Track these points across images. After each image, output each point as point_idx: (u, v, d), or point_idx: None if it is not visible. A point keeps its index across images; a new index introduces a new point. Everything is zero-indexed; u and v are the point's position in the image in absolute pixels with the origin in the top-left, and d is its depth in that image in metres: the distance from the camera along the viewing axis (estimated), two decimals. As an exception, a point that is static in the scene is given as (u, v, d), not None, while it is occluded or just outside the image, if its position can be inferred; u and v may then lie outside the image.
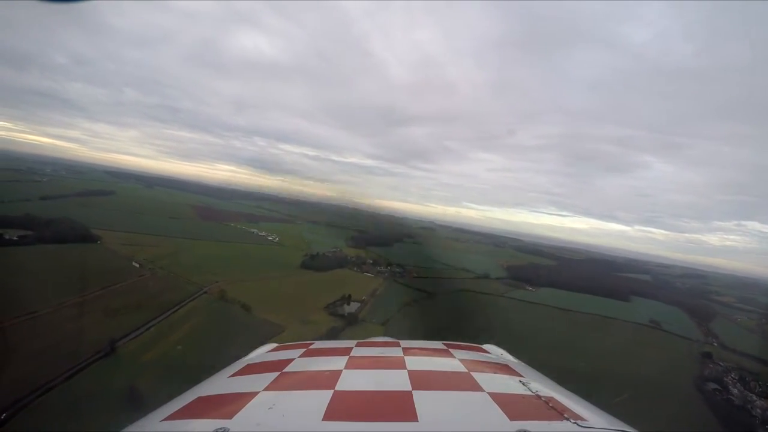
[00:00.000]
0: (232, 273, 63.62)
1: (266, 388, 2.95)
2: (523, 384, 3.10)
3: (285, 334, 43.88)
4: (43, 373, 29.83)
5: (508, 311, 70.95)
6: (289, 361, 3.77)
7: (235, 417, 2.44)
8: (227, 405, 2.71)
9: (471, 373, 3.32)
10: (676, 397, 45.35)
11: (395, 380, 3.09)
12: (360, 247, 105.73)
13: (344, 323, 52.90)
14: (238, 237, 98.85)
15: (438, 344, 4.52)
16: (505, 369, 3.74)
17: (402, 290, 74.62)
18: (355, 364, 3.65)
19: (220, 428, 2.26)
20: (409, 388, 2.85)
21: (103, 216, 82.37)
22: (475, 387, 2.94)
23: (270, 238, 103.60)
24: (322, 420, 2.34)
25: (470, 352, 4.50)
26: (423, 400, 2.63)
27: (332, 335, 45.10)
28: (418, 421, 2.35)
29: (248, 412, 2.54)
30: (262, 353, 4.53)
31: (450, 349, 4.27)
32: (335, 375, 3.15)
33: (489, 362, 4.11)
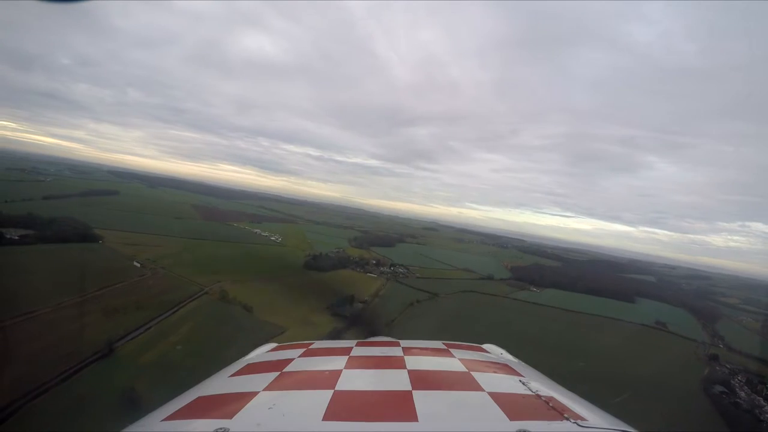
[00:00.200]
0: (234, 273, 63.15)
1: (266, 388, 2.94)
2: (523, 384, 3.09)
3: (286, 336, 43.38)
4: (37, 375, 29.35)
5: (513, 312, 70.38)
6: (289, 360, 3.77)
7: (235, 417, 2.43)
8: (227, 405, 2.69)
9: (471, 372, 3.32)
10: (684, 400, 44.83)
11: (395, 380, 3.10)
12: (363, 248, 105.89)
13: (346, 325, 52.40)
14: (240, 237, 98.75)
15: (438, 344, 4.51)
16: (505, 369, 3.71)
17: (405, 291, 74.03)
18: (355, 363, 3.64)
19: (220, 428, 2.23)
20: (409, 387, 2.85)
21: (105, 216, 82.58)
22: (475, 387, 2.94)
23: (273, 238, 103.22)
24: (322, 420, 2.33)
25: (470, 351, 4.49)
26: (423, 399, 2.62)
27: (334, 337, 44.59)
28: (418, 421, 2.34)
29: (248, 412, 2.52)
30: (262, 353, 4.51)
31: (450, 349, 4.27)
32: (335, 375, 3.15)
33: (489, 362, 4.07)
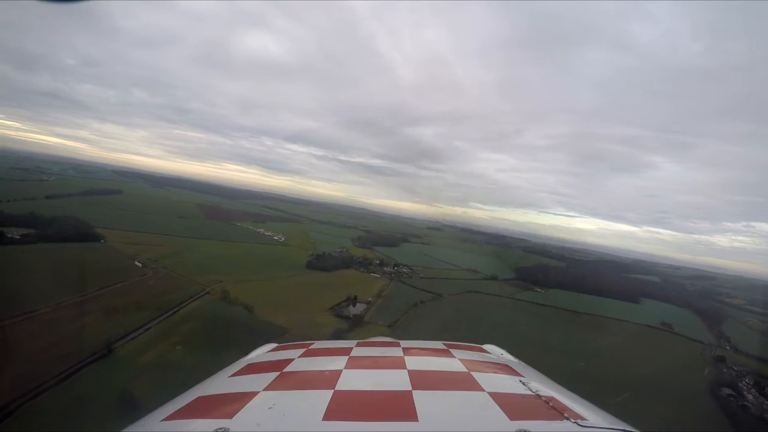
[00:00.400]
0: (237, 273, 62.97)
1: (266, 388, 2.92)
2: (523, 384, 3.08)
3: (288, 337, 42.85)
4: (36, 375, 28.97)
5: (518, 313, 69.86)
6: (289, 361, 3.76)
7: (235, 417, 2.41)
8: (227, 405, 2.67)
9: (471, 372, 3.31)
10: (691, 403, 44.31)
11: (395, 380, 3.07)
12: (367, 247, 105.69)
13: (350, 325, 52.04)
14: (243, 237, 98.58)
15: (438, 344, 4.51)
16: (505, 369, 3.72)
17: (409, 291, 73.49)
18: (355, 364, 3.63)
19: (220, 428, 2.22)
20: (409, 387, 2.83)
21: (108, 215, 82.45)
22: (475, 387, 2.93)
23: (276, 237, 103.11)
24: (322, 420, 2.32)
25: (470, 352, 4.50)
26: (423, 400, 2.60)
27: (337, 338, 44.14)
28: (418, 421, 2.33)
29: (248, 411, 2.51)
30: (262, 353, 4.49)
31: (450, 349, 4.27)
32: (335, 375, 3.13)
33: (489, 362, 4.08)
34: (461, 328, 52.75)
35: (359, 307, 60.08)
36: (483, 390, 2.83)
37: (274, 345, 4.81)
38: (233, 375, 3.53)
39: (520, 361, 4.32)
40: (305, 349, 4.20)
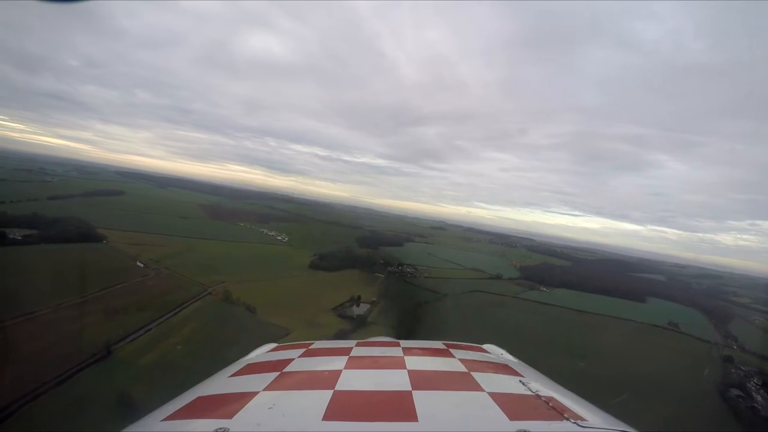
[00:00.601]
0: (239, 273, 62.72)
1: (266, 388, 2.91)
2: (523, 384, 3.05)
3: (290, 338, 42.46)
4: (35, 377, 28.74)
5: (523, 313, 69.40)
6: (289, 361, 3.73)
7: (235, 417, 2.41)
8: (227, 405, 2.66)
9: (471, 373, 3.29)
10: (700, 404, 43.89)
11: (395, 380, 3.06)
12: (370, 247, 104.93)
13: (353, 326, 51.55)
14: (246, 237, 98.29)
15: (438, 344, 4.46)
16: (505, 369, 3.69)
17: (413, 291, 72.79)
18: (355, 364, 3.60)
19: (220, 428, 2.22)
20: (409, 388, 2.82)
21: (110, 215, 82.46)
22: (475, 387, 2.92)
23: (279, 238, 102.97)
24: (322, 420, 2.32)
25: (470, 352, 4.43)
26: (423, 400, 2.61)
27: (340, 339, 43.83)
28: (418, 421, 2.33)
29: (248, 412, 2.51)
30: (262, 353, 4.45)
31: (450, 349, 4.23)
32: (335, 375, 3.11)
33: (489, 362, 4.05)
34: (466, 329, 52.29)
35: (363, 308, 59.73)
36: (483, 390, 2.82)
37: (274, 345, 4.78)
38: (233, 375, 3.51)
39: (520, 361, 4.27)
40: (305, 349, 4.17)
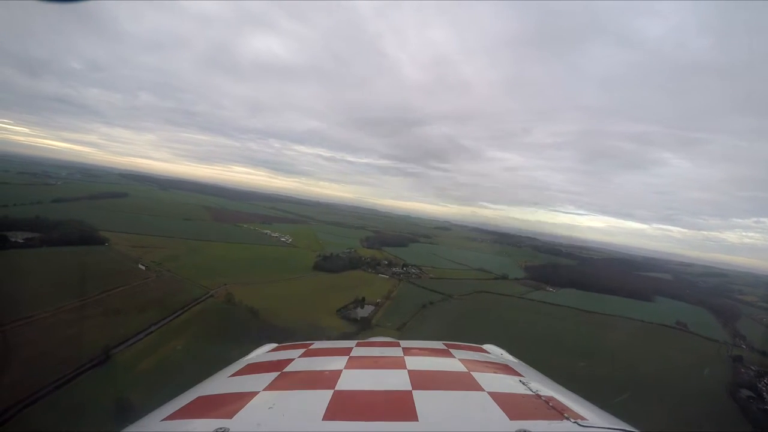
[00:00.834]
0: (242, 275, 62.30)
1: (266, 388, 2.93)
2: (523, 384, 3.07)
3: (292, 341, 42.07)
4: (31, 383, 28.23)
5: (530, 314, 68.70)
6: (289, 361, 3.72)
7: (235, 417, 2.42)
8: (227, 405, 2.69)
9: (471, 372, 3.31)
10: (711, 405, 43.22)
11: (395, 380, 3.07)
12: (375, 248, 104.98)
13: (357, 328, 50.85)
14: (250, 238, 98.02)
15: (438, 344, 4.48)
16: (505, 369, 3.71)
17: (418, 292, 72.36)
18: (355, 364, 3.60)
19: (220, 428, 2.23)
20: (409, 387, 2.84)
21: (114, 218, 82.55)
22: (475, 387, 2.94)
23: (283, 239, 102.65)
24: (322, 420, 2.33)
25: (470, 352, 4.45)
26: (423, 400, 2.62)
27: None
28: (418, 420, 2.34)
29: (248, 411, 2.52)
30: (262, 353, 4.44)
31: (450, 349, 4.24)
32: (335, 375, 3.13)
33: (489, 362, 4.05)
34: (472, 330, 51.75)
35: (367, 309, 59.14)
36: (483, 390, 2.82)
37: (274, 345, 4.77)
38: (233, 375, 3.51)
39: (520, 361, 4.28)
40: (305, 349, 4.17)
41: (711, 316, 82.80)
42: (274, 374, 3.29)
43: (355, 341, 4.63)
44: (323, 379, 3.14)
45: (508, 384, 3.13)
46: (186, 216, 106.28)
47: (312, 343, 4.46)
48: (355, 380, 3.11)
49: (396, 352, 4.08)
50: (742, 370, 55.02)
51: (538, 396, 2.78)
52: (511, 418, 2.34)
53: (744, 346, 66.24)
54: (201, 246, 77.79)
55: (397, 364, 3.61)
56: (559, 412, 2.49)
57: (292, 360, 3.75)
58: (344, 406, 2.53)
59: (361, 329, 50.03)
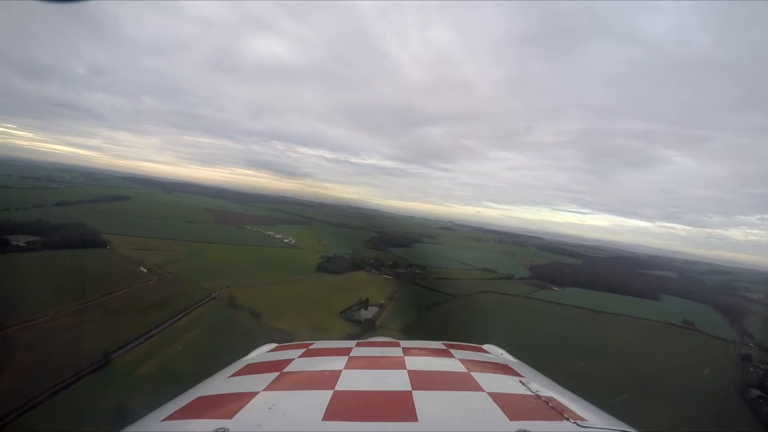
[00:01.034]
0: (244, 277, 62.02)
1: (266, 388, 2.91)
2: (523, 384, 3.06)
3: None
4: (27, 390, 27.84)
5: (536, 314, 68.46)
6: (289, 361, 3.71)
7: (235, 417, 2.41)
8: (227, 405, 2.67)
9: (471, 373, 3.30)
10: (721, 405, 42.65)
11: (395, 380, 3.07)
12: (379, 249, 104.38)
13: (361, 330, 50.32)
14: (253, 240, 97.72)
15: (438, 344, 4.42)
16: (505, 369, 3.70)
17: (423, 293, 71.89)
18: (355, 364, 3.57)
19: (220, 428, 2.22)
20: (409, 388, 2.82)
21: (116, 221, 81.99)
22: (475, 387, 2.92)
23: (286, 240, 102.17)
24: (322, 420, 2.32)
25: (470, 352, 4.39)
26: (423, 400, 2.61)
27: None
28: (418, 421, 2.33)
29: (248, 412, 2.50)
30: (262, 353, 4.39)
31: (450, 349, 4.20)
32: (335, 375, 3.11)
33: (489, 362, 4.05)
34: (479, 331, 51.01)
35: (371, 311, 58.64)
36: (483, 390, 2.81)
37: (274, 345, 4.72)
38: (233, 375, 3.45)
39: (520, 362, 4.22)
40: (305, 349, 4.13)
41: (718, 315, 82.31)
42: (274, 374, 3.24)
43: (355, 341, 4.60)
44: (323, 379, 3.08)
45: (508, 384, 3.11)
46: (189, 218, 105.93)
47: (312, 343, 4.41)
48: (354, 380, 3.08)
49: (396, 352, 4.04)
50: (751, 369, 54.42)
51: (538, 396, 2.75)
52: (510, 419, 2.31)
53: (752, 345, 65.53)
54: (203, 248, 77.44)
55: (397, 364, 3.56)
56: (558, 412, 2.45)
57: (292, 360, 3.73)
58: (344, 407, 2.50)
59: (365, 331, 49.48)
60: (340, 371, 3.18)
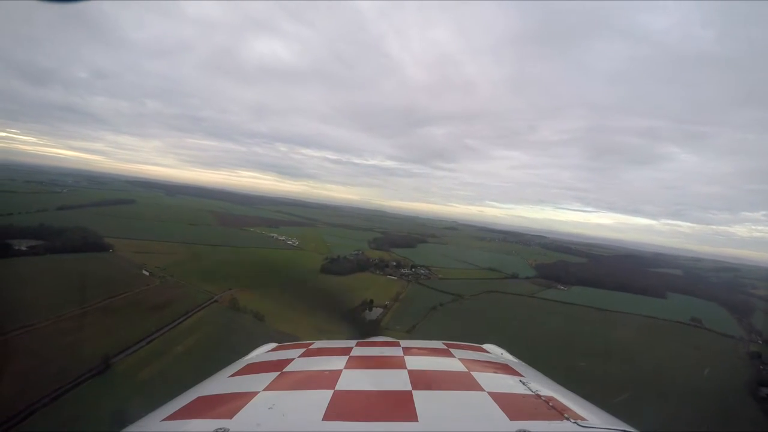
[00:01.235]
0: (247, 279, 61.41)
1: (266, 388, 2.94)
2: (523, 384, 3.08)
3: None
4: (26, 395, 27.41)
5: (543, 313, 67.79)
6: (289, 360, 3.74)
7: (235, 417, 2.43)
8: (227, 405, 2.70)
9: (471, 372, 3.31)
10: (731, 404, 42.01)
11: (395, 380, 3.09)
12: (383, 249, 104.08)
13: (365, 332, 49.83)
14: (256, 242, 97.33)
15: (438, 344, 4.45)
16: (505, 369, 3.71)
17: (427, 293, 71.43)
18: (355, 363, 3.61)
19: (220, 428, 2.24)
20: (409, 387, 2.84)
21: (119, 225, 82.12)
22: (475, 387, 2.94)
23: (290, 242, 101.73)
24: (322, 420, 2.34)
25: (470, 351, 4.42)
26: (423, 399, 2.62)
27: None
28: (418, 421, 2.34)
29: (248, 411, 2.53)
30: (262, 353, 4.45)
31: (450, 349, 4.22)
32: (335, 375, 3.14)
33: (489, 362, 4.07)
34: (485, 332, 50.51)
35: (375, 312, 58.14)
36: (483, 390, 2.82)
37: (274, 345, 4.74)
38: (233, 375, 3.48)
39: (521, 361, 4.24)
40: (305, 349, 4.16)
41: (725, 312, 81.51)
42: (274, 374, 3.26)
43: (355, 341, 4.62)
44: (323, 379, 3.11)
45: (508, 384, 3.11)
46: (191, 221, 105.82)
47: (312, 343, 4.45)
48: (355, 380, 3.11)
49: (396, 351, 4.08)
50: (761, 366, 53.73)
51: (538, 396, 2.76)
52: (511, 418, 2.33)
53: (761, 342, 64.61)
54: (206, 250, 77.12)
55: (397, 364, 3.59)
56: (559, 412, 2.47)
57: (292, 360, 3.75)
58: (344, 406, 2.51)
59: (370, 333, 49.07)
60: (340, 371, 3.21)
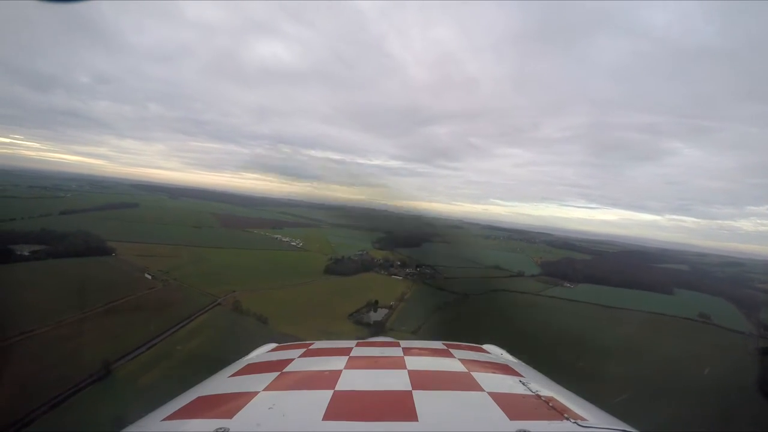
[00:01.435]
0: (251, 281, 61.46)
1: (266, 388, 2.95)
2: (523, 384, 3.10)
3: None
4: (25, 403, 27.07)
5: (550, 311, 66.94)
6: (289, 361, 3.76)
7: (235, 417, 2.45)
8: (227, 405, 2.71)
9: (471, 373, 3.34)
10: (744, 402, 41.18)
11: (395, 380, 3.10)
12: (387, 249, 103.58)
13: (370, 333, 49.37)
14: (260, 243, 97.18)
15: (438, 344, 4.50)
16: (505, 369, 3.74)
17: (433, 293, 70.98)
18: (355, 364, 3.63)
19: (220, 428, 2.26)
20: (409, 388, 2.86)
21: (122, 228, 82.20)
22: (475, 387, 2.95)
23: (293, 243, 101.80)
24: (322, 420, 2.35)
25: (470, 352, 4.45)
26: (423, 400, 2.63)
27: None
28: (418, 421, 2.36)
29: (248, 412, 2.54)
30: (262, 353, 4.46)
31: (450, 349, 4.25)
32: (335, 375, 3.15)
33: (489, 362, 4.09)
34: (490, 331, 50.00)
35: (380, 313, 57.83)
36: (483, 390, 2.84)
37: (274, 345, 4.74)
38: (233, 375, 3.49)
39: (520, 361, 4.26)
40: (305, 349, 4.16)
41: (733, 307, 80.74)
42: (274, 374, 3.25)
43: (355, 341, 4.62)
44: (323, 379, 3.10)
45: (508, 384, 3.12)
46: (195, 224, 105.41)
47: (312, 343, 4.44)
48: (355, 380, 3.09)
49: (396, 352, 4.06)
50: (772, 363, 53.04)
51: (538, 396, 2.77)
52: (511, 419, 2.34)
53: (770, 337, 63.92)
54: (209, 253, 76.82)
55: (397, 364, 3.58)
56: (559, 412, 2.48)
57: (292, 360, 3.74)
58: (344, 406, 2.52)
59: (375, 334, 48.59)
60: (340, 371, 3.20)
